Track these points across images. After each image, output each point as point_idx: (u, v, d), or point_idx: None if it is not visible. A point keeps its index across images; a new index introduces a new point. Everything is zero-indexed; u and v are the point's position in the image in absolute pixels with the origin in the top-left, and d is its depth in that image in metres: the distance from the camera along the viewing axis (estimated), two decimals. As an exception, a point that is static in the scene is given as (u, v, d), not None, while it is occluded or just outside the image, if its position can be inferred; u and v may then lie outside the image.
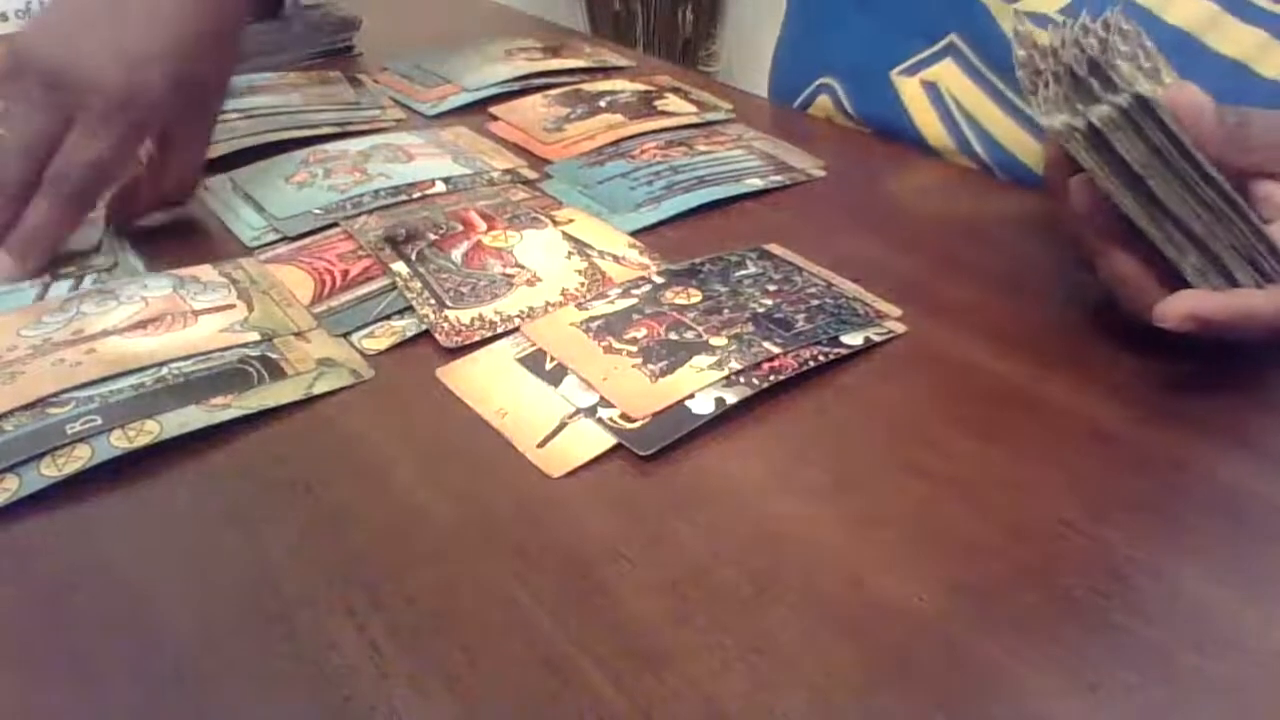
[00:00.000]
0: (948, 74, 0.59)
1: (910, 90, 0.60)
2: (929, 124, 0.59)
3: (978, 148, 0.58)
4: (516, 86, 0.67)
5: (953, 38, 0.59)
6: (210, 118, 0.52)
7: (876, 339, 0.40)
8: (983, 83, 0.57)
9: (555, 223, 0.48)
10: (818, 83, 0.66)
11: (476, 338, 0.40)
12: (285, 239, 0.48)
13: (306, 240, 0.47)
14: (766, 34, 0.79)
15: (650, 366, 0.37)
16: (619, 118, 0.61)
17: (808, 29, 0.69)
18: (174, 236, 0.49)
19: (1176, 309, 0.35)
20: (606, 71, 0.71)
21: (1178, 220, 0.35)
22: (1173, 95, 0.36)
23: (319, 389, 0.37)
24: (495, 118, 0.63)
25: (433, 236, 0.46)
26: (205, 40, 0.49)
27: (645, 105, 0.63)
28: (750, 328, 0.39)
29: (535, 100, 0.65)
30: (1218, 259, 0.36)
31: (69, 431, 0.33)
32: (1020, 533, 0.31)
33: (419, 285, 0.43)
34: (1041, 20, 0.52)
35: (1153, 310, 0.35)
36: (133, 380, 0.36)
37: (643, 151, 0.56)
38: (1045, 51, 0.38)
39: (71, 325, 0.39)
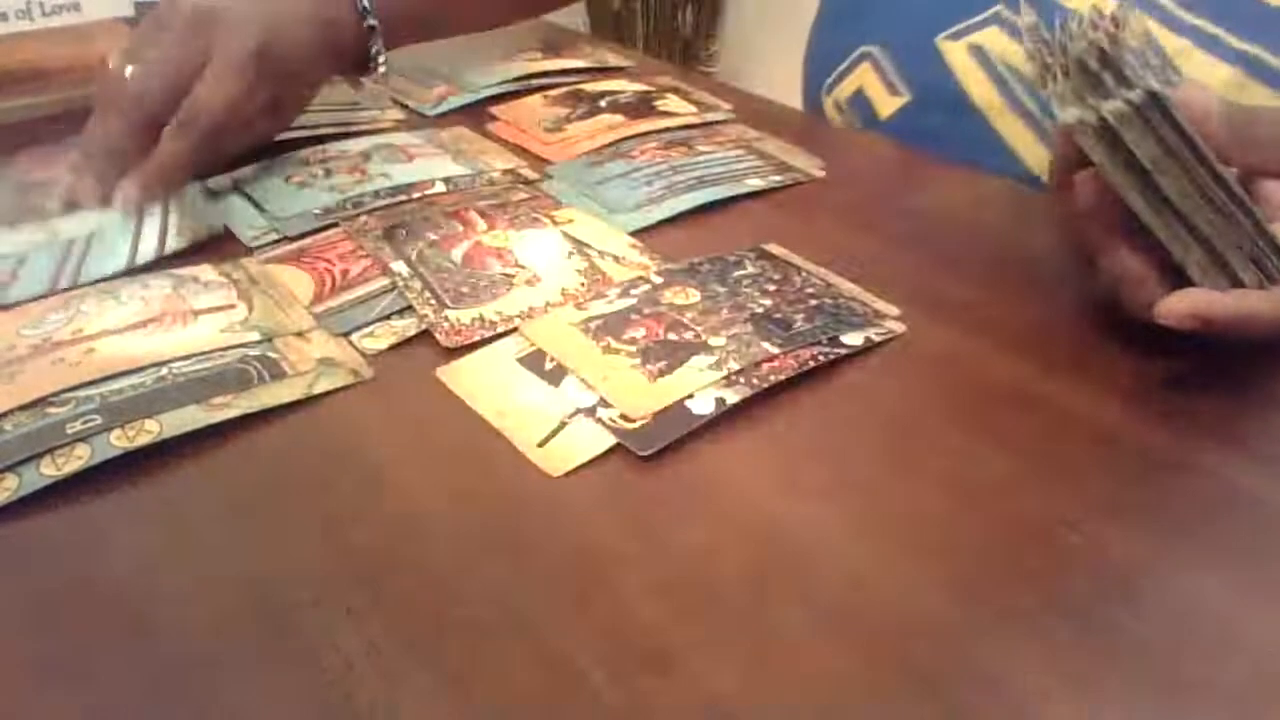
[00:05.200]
0: (994, 39, 0.60)
1: (957, 54, 0.61)
2: (978, 83, 0.60)
3: (1028, 103, 0.58)
4: (516, 86, 0.67)
5: (999, 8, 0.60)
6: (304, 99, 0.57)
7: (876, 339, 0.40)
8: None
9: (555, 222, 0.48)
10: (859, 51, 0.67)
11: (476, 338, 0.40)
12: (285, 239, 0.48)
13: (307, 240, 0.47)
14: (766, 34, 0.79)
15: (649, 366, 0.37)
16: (619, 118, 0.61)
17: (851, 1, 0.70)
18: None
19: (1179, 307, 0.35)
20: (606, 71, 0.71)
21: (1184, 218, 0.35)
22: (1182, 93, 0.36)
23: (319, 389, 0.37)
24: (495, 118, 0.63)
25: (433, 236, 0.46)
26: (331, 27, 0.55)
27: (645, 105, 0.63)
28: (749, 328, 0.39)
29: (535, 100, 0.65)
30: (1222, 258, 0.36)
31: (69, 431, 0.33)
32: (1020, 533, 0.31)
33: (419, 285, 0.43)
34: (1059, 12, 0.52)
35: (1154, 307, 0.35)
36: (133, 380, 0.36)
37: (643, 151, 0.56)
38: (1055, 44, 0.38)
39: (71, 325, 0.39)
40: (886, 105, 0.65)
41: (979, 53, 0.60)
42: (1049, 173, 0.41)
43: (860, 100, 0.66)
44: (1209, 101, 0.36)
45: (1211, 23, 0.52)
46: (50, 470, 0.32)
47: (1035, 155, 0.59)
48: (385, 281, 0.43)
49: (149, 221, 0.48)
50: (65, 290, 0.43)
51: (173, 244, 0.46)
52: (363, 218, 0.49)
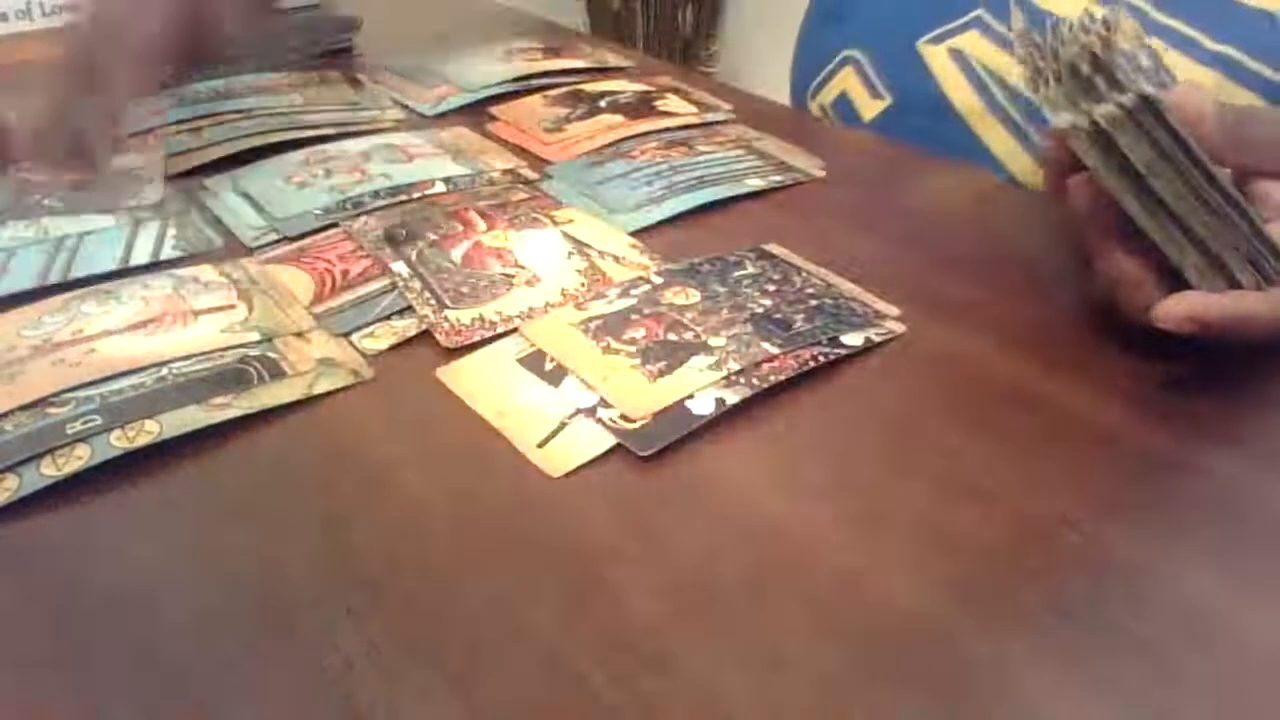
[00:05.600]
0: (974, 43, 0.60)
1: (937, 58, 0.61)
2: (958, 88, 0.60)
3: (1009, 108, 0.58)
4: (516, 86, 0.67)
5: (979, 12, 0.60)
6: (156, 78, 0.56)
7: (876, 339, 0.40)
8: (1010, 48, 0.58)
9: (555, 222, 0.48)
10: (842, 55, 0.67)
11: (476, 338, 0.40)
12: (285, 239, 0.48)
13: (306, 240, 0.47)
14: (766, 34, 0.80)
15: (649, 367, 0.37)
16: (619, 118, 0.61)
17: (834, 5, 0.70)
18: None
19: (1176, 311, 0.35)
20: (606, 72, 0.71)
21: (1179, 220, 0.35)
22: (1176, 96, 0.36)
23: (319, 389, 0.37)
24: (495, 118, 0.63)
25: (433, 236, 0.46)
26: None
27: (645, 105, 0.63)
28: (749, 328, 0.39)
29: (535, 100, 0.65)
30: (1219, 259, 0.36)
31: (69, 431, 0.33)
32: (1020, 533, 0.31)
33: (419, 285, 0.43)
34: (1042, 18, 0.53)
35: (1151, 311, 0.35)
36: (133, 380, 0.36)
37: (643, 152, 0.56)
38: (1047, 48, 0.38)
39: (72, 325, 0.40)
40: (869, 109, 0.65)
41: (959, 57, 0.60)
42: (1043, 177, 0.42)
43: (843, 104, 0.67)
44: (1203, 103, 0.36)
45: (1187, 24, 0.53)
46: (50, 470, 0.32)
47: (1018, 161, 0.59)
48: (385, 282, 0.43)
49: (145, 228, 0.48)
50: (54, 286, 0.43)
51: (168, 255, 0.46)
52: (363, 218, 0.49)
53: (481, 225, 0.48)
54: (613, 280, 0.43)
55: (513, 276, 0.43)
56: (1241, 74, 0.51)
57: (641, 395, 0.36)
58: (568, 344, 0.39)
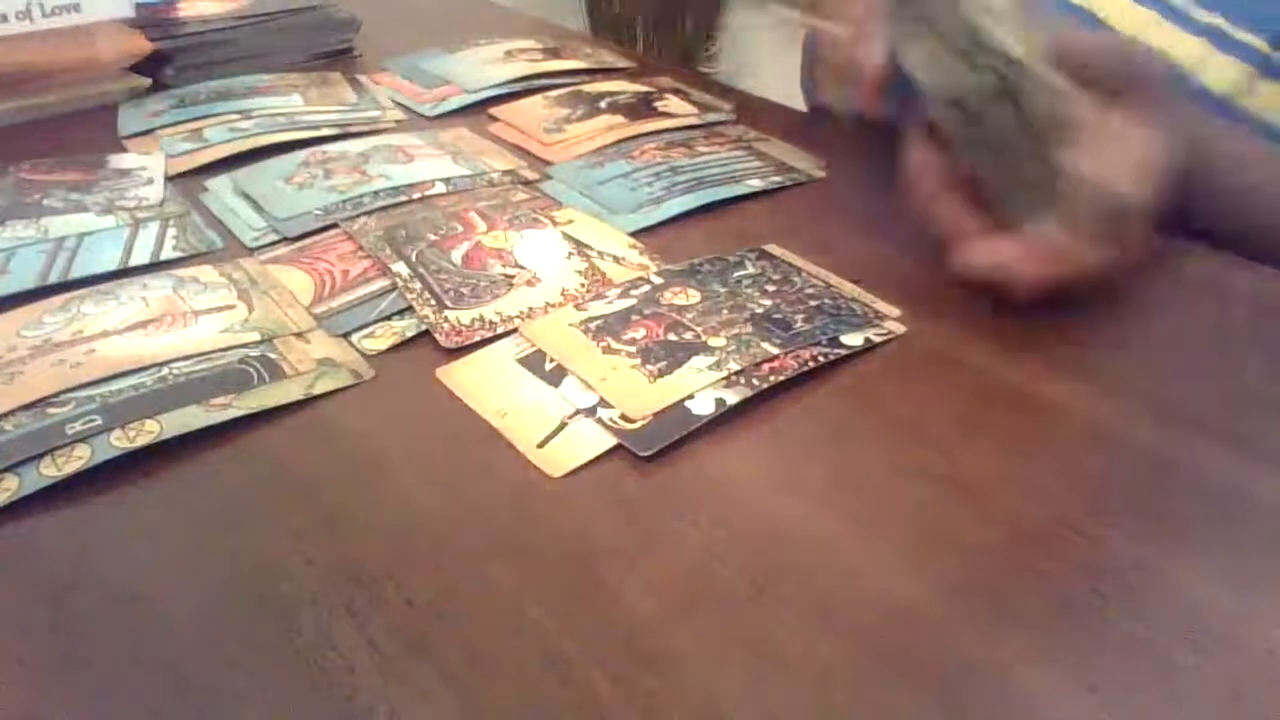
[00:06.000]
0: None
1: None
2: None
3: None
4: (517, 87, 0.67)
5: None
6: None
7: (876, 339, 0.40)
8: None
9: (555, 223, 0.48)
10: None
11: (476, 338, 0.40)
12: (285, 240, 0.48)
13: (306, 241, 0.47)
14: (767, 34, 0.79)
15: (649, 367, 0.37)
16: (619, 118, 0.61)
17: None
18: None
19: (984, 258, 0.39)
20: (607, 72, 0.71)
21: (1014, 166, 0.39)
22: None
23: (319, 389, 0.37)
24: (495, 119, 0.63)
25: (433, 237, 0.46)
26: None
27: (645, 106, 0.63)
28: (749, 328, 0.39)
29: (535, 101, 0.65)
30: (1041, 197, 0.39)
31: (69, 431, 0.34)
32: (1020, 533, 0.31)
33: (419, 286, 0.43)
34: None
35: (967, 260, 0.40)
36: (133, 380, 0.36)
37: (643, 152, 0.56)
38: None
39: (72, 326, 0.40)
40: None
41: None
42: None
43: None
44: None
45: None
46: (50, 470, 0.32)
47: None
48: (385, 282, 0.43)
49: (145, 228, 0.48)
50: (54, 286, 0.43)
51: (168, 255, 0.46)
52: (362, 218, 0.49)
53: (482, 226, 0.48)
54: (613, 281, 0.43)
55: (513, 277, 0.43)
56: (1226, 43, 0.51)
57: (641, 395, 0.36)
58: (568, 344, 0.39)
